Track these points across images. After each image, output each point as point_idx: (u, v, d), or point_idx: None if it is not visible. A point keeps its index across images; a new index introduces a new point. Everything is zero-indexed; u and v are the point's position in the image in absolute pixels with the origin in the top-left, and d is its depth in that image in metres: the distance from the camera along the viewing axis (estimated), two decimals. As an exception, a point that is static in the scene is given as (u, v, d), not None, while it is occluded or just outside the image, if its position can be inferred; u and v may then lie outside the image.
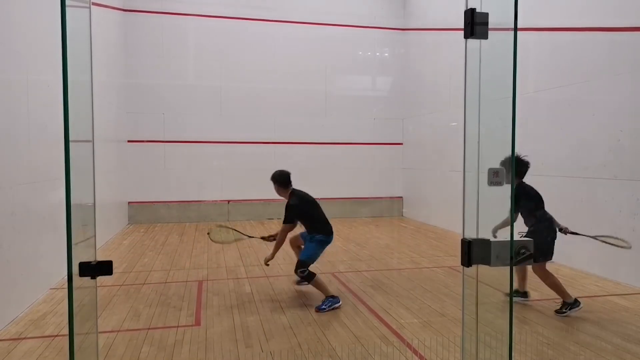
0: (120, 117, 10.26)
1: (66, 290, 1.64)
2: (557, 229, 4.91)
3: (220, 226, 5.58)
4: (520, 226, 5.02)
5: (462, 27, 1.76)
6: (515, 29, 1.72)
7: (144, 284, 5.88)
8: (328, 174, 12.02)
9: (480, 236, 1.80)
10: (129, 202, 10.98)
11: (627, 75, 5.72)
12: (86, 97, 1.71)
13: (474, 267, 1.81)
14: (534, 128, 7.16)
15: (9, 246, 4.49)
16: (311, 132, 11.93)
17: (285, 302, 5.11)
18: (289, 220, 5.20)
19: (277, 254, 5.26)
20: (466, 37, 1.76)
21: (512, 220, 1.82)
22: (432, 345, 3.92)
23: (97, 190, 1.83)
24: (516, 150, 1.80)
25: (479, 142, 1.81)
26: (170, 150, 11.24)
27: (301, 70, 11.81)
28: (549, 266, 4.90)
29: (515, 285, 5.06)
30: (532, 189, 4.88)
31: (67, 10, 1.54)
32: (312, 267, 5.04)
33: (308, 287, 5.65)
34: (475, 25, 1.73)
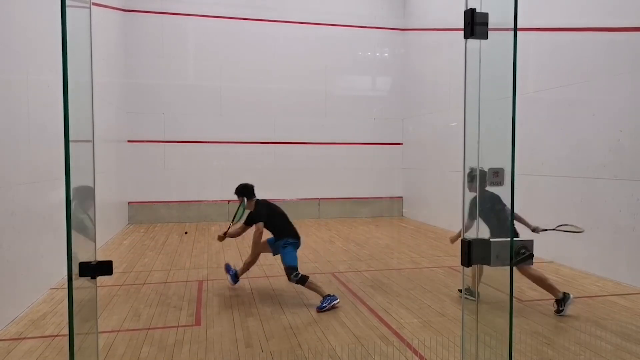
0: (120, 117, 10.25)
1: (66, 290, 1.64)
2: (531, 230, 4.93)
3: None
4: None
5: (462, 27, 1.76)
6: (515, 29, 1.72)
7: (144, 284, 5.88)
8: (328, 174, 12.02)
9: (481, 236, 1.80)
10: (129, 202, 10.98)
11: (627, 75, 5.72)
12: (86, 97, 1.71)
13: (474, 267, 1.81)
14: (534, 128, 7.16)
15: (9, 246, 4.49)
16: (311, 132, 11.93)
17: (285, 302, 5.11)
18: (258, 220, 5.30)
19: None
20: (466, 37, 1.76)
21: (512, 220, 1.82)
22: (432, 345, 3.92)
23: (97, 190, 1.83)
24: (516, 151, 1.80)
25: (479, 142, 1.81)
26: (170, 150, 11.24)
27: (301, 70, 11.81)
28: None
29: (470, 284, 5.09)
30: (492, 195, 4.96)
31: (67, 10, 1.55)
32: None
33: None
34: (475, 25, 1.73)
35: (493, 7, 1.73)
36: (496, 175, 1.78)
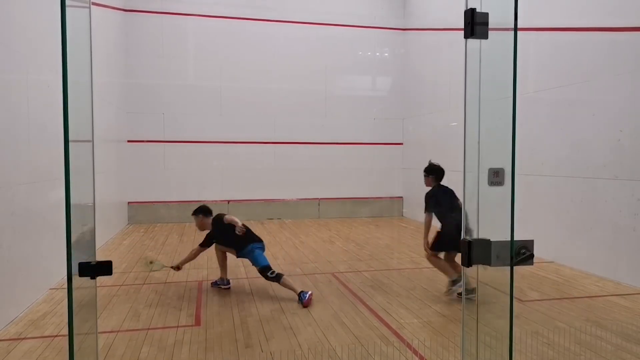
0: (120, 117, 10.25)
1: (66, 290, 1.64)
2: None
3: (149, 262, 6.01)
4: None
5: (462, 27, 1.76)
6: (515, 29, 1.72)
7: (144, 284, 5.88)
8: (328, 174, 12.02)
9: (481, 236, 1.80)
10: (128, 202, 10.98)
11: (627, 75, 5.72)
12: (86, 97, 1.71)
13: (474, 267, 1.81)
14: (534, 128, 7.16)
15: (9, 246, 4.49)
16: (311, 132, 11.93)
17: (285, 302, 5.11)
18: (207, 243, 5.62)
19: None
20: (466, 37, 1.76)
21: (512, 221, 1.82)
22: (432, 345, 3.92)
23: (97, 190, 1.83)
24: (516, 151, 1.80)
25: (479, 142, 1.81)
26: (170, 150, 11.24)
27: (301, 70, 11.80)
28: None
29: (449, 276, 5.28)
30: (446, 191, 5.39)
31: (67, 10, 1.54)
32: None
33: (307, 287, 5.65)
34: (475, 25, 1.73)
35: (493, 7, 1.73)
36: (496, 175, 1.77)
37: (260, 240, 5.59)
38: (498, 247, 1.74)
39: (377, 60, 12.47)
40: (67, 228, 1.58)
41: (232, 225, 5.38)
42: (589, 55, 6.34)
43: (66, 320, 1.95)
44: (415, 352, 3.81)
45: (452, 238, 5.18)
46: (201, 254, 5.81)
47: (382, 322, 4.49)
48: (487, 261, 1.75)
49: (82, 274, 1.64)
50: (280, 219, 11.65)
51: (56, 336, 4.13)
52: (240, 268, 6.66)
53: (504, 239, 1.76)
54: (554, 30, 6.93)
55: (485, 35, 1.74)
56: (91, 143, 1.75)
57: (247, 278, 6.09)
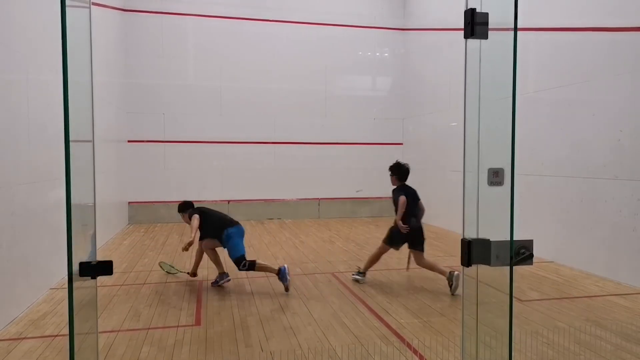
0: (120, 117, 10.25)
1: (66, 290, 1.64)
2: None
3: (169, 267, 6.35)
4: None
5: (462, 27, 1.76)
6: (515, 29, 1.72)
7: (144, 284, 5.88)
8: (328, 174, 12.02)
9: (481, 236, 1.80)
10: (129, 202, 10.98)
11: (627, 75, 5.72)
12: (86, 97, 1.72)
13: (474, 267, 1.81)
14: (534, 128, 7.16)
15: (9, 246, 4.49)
16: (311, 132, 11.93)
17: (285, 302, 5.11)
18: (191, 214, 5.72)
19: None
20: (466, 37, 1.76)
21: (512, 221, 1.82)
22: (432, 345, 3.92)
23: (97, 190, 1.83)
24: (516, 151, 1.80)
25: (479, 142, 1.81)
26: (170, 150, 11.24)
27: (301, 70, 11.80)
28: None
29: (443, 274, 5.53)
30: (409, 192, 5.72)
31: (67, 10, 1.55)
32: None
33: (307, 287, 5.65)
34: (475, 25, 1.73)
35: (493, 7, 1.73)
36: (496, 175, 1.78)
37: (234, 224, 5.63)
38: (497, 247, 1.75)
39: (377, 60, 12.47)
40: (68, 228, 1.58)
41: (206, 217, 5.66)
42: (589, 55, 6.34)
43: (66, 320, 1.95)
44: (415, 352, 3.81)
45: (401, 236, 5.63)
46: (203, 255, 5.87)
47: (382, 322, 4.49)
48: (486, 261, 1.75)
49: (82, 273, 1.65)
50: (280, 219, 11.65)
51: (56, 336, 4.14)
52: (240, 268, 6.66)
53: (504, 239, 1.76)
54: (554, 30, 6.93)
55: (485, 36, 1.74)
56: (91, 143, 1.75)
57: (247, 278, 6.10)
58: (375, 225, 10.86)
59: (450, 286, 5.31)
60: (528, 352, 3.74)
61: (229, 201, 11.37)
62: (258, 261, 5.50)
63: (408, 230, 5.54)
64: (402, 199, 5.55)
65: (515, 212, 1.78)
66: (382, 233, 9.93)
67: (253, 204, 11.55)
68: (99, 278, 1.71)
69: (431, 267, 5.57)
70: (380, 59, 12.50)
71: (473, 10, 1.73)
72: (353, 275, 5.95)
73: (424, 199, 5.80)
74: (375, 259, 5.90)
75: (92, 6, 1.68)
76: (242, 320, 4.56)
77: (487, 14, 1.73)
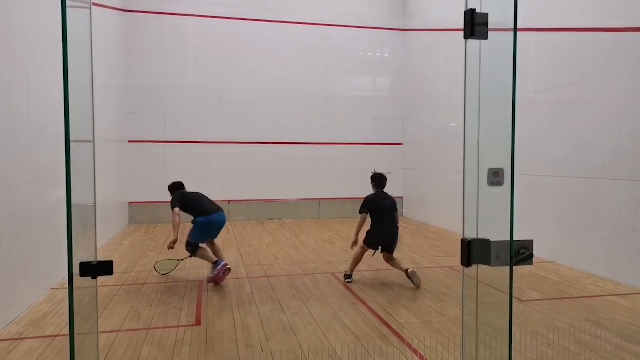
0: (120, 117, 10.25)
1: (66, 290, 1.64)
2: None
3: (168, 260, 6.56)
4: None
5: (462, 27, 1.76)
6: (515, 29, 1.72)
7: (144, 283, 5.89)
8: (328, 174, 12.02)
9: (480, 236, 1.80)
10: (129, 202, 10.98)
11: (627, 75, 5.73)
12: (86, 97, 1.72)
13: (473, 267, 1.81)
14: (534, 128, 7.16)
15: (9, 246, 4.49)
16: (311, 132, 11.93)
17: (285, 302, 5.11)
18: (173, 205, 6.03)
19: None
20: (466, 37, 1.76)
21: (511, 220, 1.82)
22: (432, 345, 3.92)
23: (97, 190, 1.83)
24: (516, 151, 1.80)
25: (478, 142, 1.81)
26: (170, 150, 11.25)
27: (301, 70, 11.81)
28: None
29: (348, 270, 6.01)
30: (386, 198, 6.27)
31: (67, 10, 1.55)
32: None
33: (307, 287, 5.66)
34: (475, 25, 1.73)
35: (493, 7, 1.74)
36: (496, 175, 1.78)
37: (208, 213, 6.06)
38: (497, 247, 1.75)
39: (377, 60, 12.47)
40: (68, 228, 1.59)
41: (185, 203, 6.11)
42: (589, 55, 6.34)
43: (67, 319, 1.95)
44: (415, 351, 3.81)
45: (376, 239, 6.05)
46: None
47: (382, 322, 4.49)
48: (486, 261, 1.76)
49: (82, 273, 1.65)
50: (280, 219, 11.65)
51: (57, 336, 4.14)
52: (240, 268, 6.67)
53: (504, 239, 1.76)
54: (554, 31, 6.93)
55: (484, 36, 1.75)
56: (91, 143, 1.75)
57: (247, 278, 6.10)
58: (375, 225, 10.85)
59: (413, 282, 5.62)
60: (528, 352, 3.74)
61: (229, 201, 11.37)
62: (201, 250, 5.89)
63: (358, 251, 6.03)
64: (360, 218, 6.06)
65: (515, 212, 1.78)
66: (382, 233, 9.95)
67: (253, 204, 11.55)
68: (99, 278, 1.71)
69: (396, 267, 5.89)
70: (380, 59, 12.50)
71: (473, 10, 1.73)
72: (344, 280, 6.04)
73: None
74: (357, 259, 6.06)
75: (92, 6, 1.69)
76: (242, 320, 4.57)
77: (486, 14, 1.74)
